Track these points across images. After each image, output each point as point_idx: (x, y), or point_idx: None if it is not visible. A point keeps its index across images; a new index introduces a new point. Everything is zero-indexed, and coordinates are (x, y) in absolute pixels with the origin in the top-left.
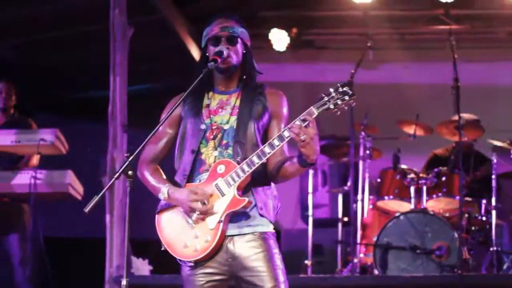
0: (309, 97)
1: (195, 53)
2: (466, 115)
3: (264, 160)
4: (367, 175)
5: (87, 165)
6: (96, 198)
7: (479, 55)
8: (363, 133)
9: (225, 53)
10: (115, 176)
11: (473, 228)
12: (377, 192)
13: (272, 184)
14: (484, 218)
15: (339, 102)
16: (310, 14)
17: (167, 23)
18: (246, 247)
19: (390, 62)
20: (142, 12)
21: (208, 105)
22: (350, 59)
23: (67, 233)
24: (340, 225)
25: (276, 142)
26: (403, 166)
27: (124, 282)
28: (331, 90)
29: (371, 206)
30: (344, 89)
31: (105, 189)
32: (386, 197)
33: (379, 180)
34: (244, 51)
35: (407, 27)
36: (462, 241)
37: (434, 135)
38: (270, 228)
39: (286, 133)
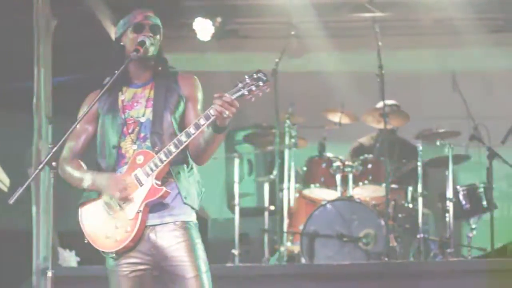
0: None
1: None
2: (390, 102)
3: (180, 148)
4: (293, 163)
5: (12, 157)
6: (20, 190)
7: (403, 42)
8: (288, 121)
9: (147, 42)
10: (39, 167)
11: (399, 215)
12: (304, 180)
13: (195, 169)
14: (410, 206)
15: (253, 88)
16: (234, 3)
17: (91, 13)
18: (167, 237)
19: (314, 51)
20: (66, 3)
21: (123, 100)
22: (274, 48)
23: None
24: (266, 214)
25: (192, 130)
26: (329, 154)
27: (49, 273)
28: (246, 77)
29: (297, 195)
30: (259, 75)
31: (29, 180)
32: (312, 186)
33: (305, 168)
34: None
35: (332, 15)
36: (388, 229)
37: (360, 123)
38: (192, 218)
39: (202, 121)
